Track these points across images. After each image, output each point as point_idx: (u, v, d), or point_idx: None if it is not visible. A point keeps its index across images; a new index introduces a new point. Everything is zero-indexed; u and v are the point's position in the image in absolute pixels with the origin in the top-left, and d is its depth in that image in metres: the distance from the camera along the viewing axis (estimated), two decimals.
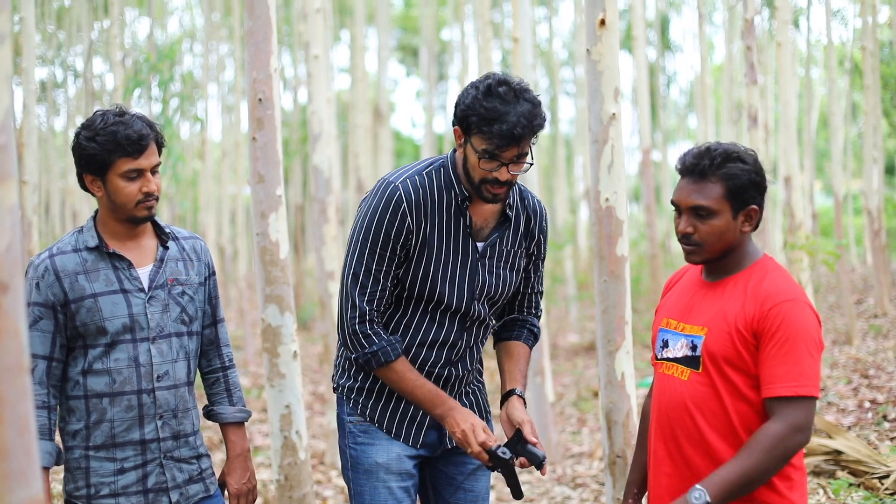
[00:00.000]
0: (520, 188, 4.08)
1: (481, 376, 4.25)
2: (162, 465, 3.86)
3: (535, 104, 3.74)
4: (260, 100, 5.08)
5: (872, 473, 6.26)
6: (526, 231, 4.07)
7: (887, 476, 6.28)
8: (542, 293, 4.29)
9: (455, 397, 4.09)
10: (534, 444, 3.86)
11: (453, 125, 3.82)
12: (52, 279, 3.75)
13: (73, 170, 3.93)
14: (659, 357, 3.58)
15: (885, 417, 8.02)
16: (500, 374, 4.20)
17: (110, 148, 3.73)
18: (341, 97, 28.41)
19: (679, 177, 3.52)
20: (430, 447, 4.09)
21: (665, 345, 3.55)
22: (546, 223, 4.16)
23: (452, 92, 35.28)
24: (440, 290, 3.91)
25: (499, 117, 3.65)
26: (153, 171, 3.82)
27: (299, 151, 22.17)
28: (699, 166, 3.42)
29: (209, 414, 4.18)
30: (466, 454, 4.10)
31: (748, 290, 3.38)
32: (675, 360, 3.49)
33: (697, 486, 3.23)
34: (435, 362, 4.01)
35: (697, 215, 3.42)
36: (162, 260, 3.92)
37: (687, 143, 38.13)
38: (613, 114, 4.70)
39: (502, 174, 3.75)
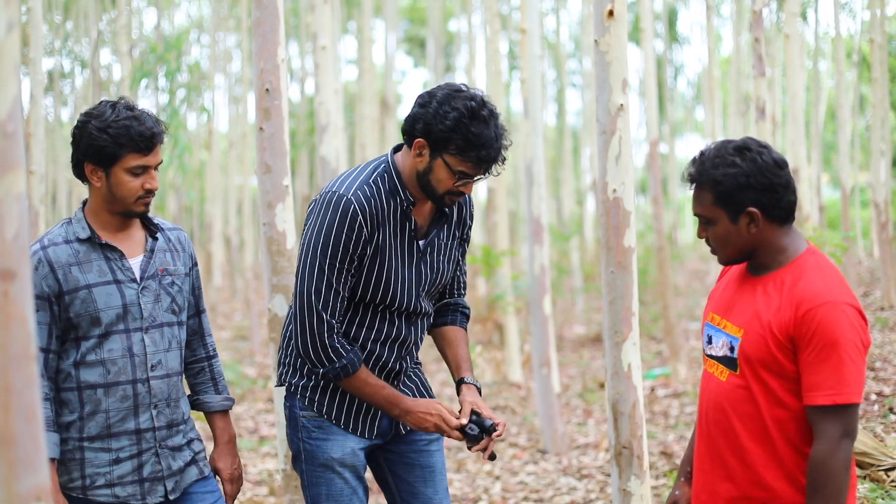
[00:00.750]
0: None
1: (418, 360, 4.38)
2: (157, 454, 3.89)
3: (506, 129, 3.85)
4: (267, 90, 5.08)
5: (878, 466, 6.25)
6: (459, 220, 4.18)
7: (893, 469, 6.27)
8: (465, 272, 4.38)
9: (402, 383, 4.24)
10: (488, 416, 4.05)
11: (412, 135, 3.84)
12: (46, 271, 3.75)
13: None
14: (706, 353, 3.52)
15: (891, 410, 8.01)
16: (444, 360, 4.35)
17: (122, 142, 3.74)
18: (348, 88, 28.44)
19: None
20: (383, 435, 4.20)
21: (710, 341, 3.49)
22: (473, 207, 4.26)
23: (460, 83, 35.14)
24: (392, 293, 3.99)
25: (484, 143, 3.74)
26: (156, 167, 3.85)
27: (306, 143, 22.22)
28: (690, 175, 3.39)
29: (195, 403, 4.20)
30: (416, 432, 4.25)
31: (784, 290, 3.27)
32: (717, 358, 3.44)
33: None
34: (388, 358, 4.11)
35: (703, 222, 3.40)
36: (152, 251, 3.94)
37: (694, 135, 38.12)
38: (621, 105, 4.69)
39: (468, 189, 3.89)
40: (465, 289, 4.39)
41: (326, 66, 8.87)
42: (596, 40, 4.72)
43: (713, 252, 3.45)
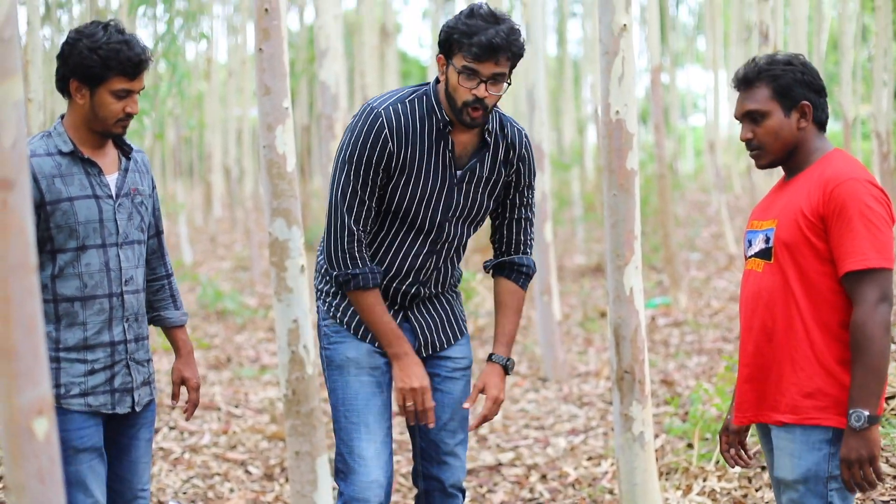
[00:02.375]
0: (500, 116, 4.20)
1: (456, 289, 4.43)
2: (128, 366, 4.04)
3: (515, 27, 3.89)
4: (266, 10, 5.00)
5: None
6: (505, 159, 4.20)
7: (893, 398, 6.30)
8: (532, 222, 4.37)
9: (421, 309, 4.29)
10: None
11: (438, 56, 3.96)
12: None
13: None
14: (746, 256, 3.70)
15: None
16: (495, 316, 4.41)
17: (111, 65, 3.85)
18: (347, 18, 28.22)
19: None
20: None
21: (749, 244, 3.67)
22: (528, 150, 4.27)
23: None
24: (415, 210, 4.08)
25: (478, 31, 3.82)
26: (138, 92, 3.97)
27: (306, 71, 22.06)
28: (746, 75, 3.63)
29: (155, 319, 4.34)
30: (444, 356, 4.31)
31: (813, 178, 3.48)
32: (755, 255, 3.62)
33: (850, 410, 3.34)
34: (404, 280, 4.20)
35: (753, 120, 3.61)
36: (126, 170, 4.06)
37: (695, 66, 37.91)
38: (624, 25, 4.63)
39: (480, 91, 3.90)
40: (530, 249, 4.36)
41: None
42: None
43: (755, 155, 3.65)
